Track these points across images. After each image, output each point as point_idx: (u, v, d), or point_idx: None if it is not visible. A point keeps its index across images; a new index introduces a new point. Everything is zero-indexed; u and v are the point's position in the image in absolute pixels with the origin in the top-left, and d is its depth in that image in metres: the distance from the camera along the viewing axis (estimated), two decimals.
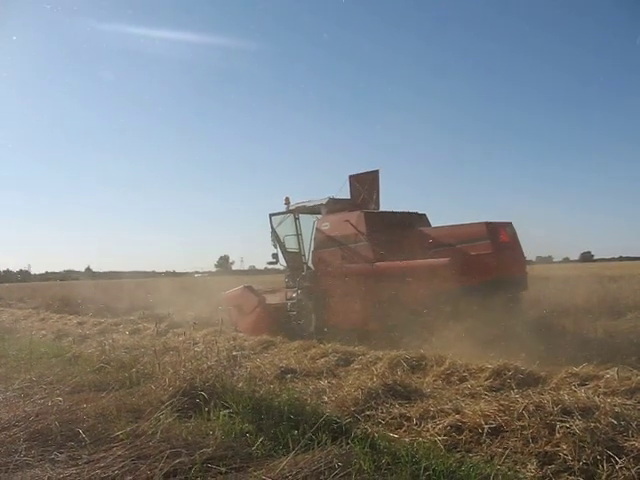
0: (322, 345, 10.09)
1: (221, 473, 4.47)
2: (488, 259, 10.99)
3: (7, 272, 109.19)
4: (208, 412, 6.07)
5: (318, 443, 4.95)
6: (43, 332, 16.55)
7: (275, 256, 14.84)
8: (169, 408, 6.04)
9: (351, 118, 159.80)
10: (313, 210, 14.41)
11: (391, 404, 6.44)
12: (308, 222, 14.32)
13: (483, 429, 5.37)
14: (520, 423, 5.28)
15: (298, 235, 14.24)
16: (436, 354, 8.62)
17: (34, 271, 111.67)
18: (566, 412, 5.21)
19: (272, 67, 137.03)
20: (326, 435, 5.15)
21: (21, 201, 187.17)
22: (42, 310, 23.43)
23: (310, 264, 14.02)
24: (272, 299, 14.92)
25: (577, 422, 4.90)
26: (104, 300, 24.65)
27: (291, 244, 14.54)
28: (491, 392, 6.82)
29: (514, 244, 11.87)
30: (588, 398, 5.53)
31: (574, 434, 4.77)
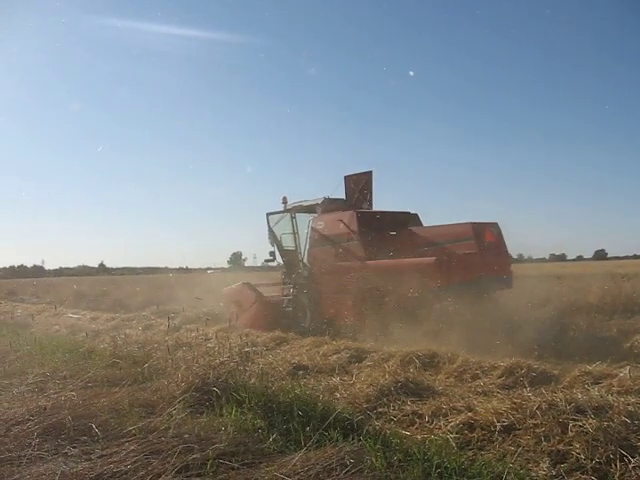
0: (334, 342, 10.09)
1: (233, 469, 4.48)
2: (473, 258, 11.37)
3: (21, 267, 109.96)
4: (220, 408, 6.09)
5: (330, 440, 4.96)
6: (57, 327, 16.68)
7: (272, 254, 15.39)
8: (181, 404, 6.06)
9: (357, 115, 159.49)
10: (309, 209, 14.80)
11: (403, 401, 6.45)
12: (304, 221, 14.72)
13: (495, 427, 5.35)
14: (533, 421, 5.26)
15: (295, 234, 14.63)
16: (449, 351, 8.63)
17: (48, 266, 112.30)
18: (579, 411, 5.19)
19: (278, 62, 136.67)
20: (338, 432, 5.16)
21: (35, 197, 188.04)
22: (56, 305, 23.52)
23: (306, 262, 14.47)
24: (269, 295, 15.33)
25: (590, 421, 4.88)
26: (117, 295, 24.77)
27: (288, 242, 14.95)
28: (503, 390, 6.83)
29: (499, 244, 12.18)
30: (601, 397, 5.50)
31: (587, 433, 4.75)
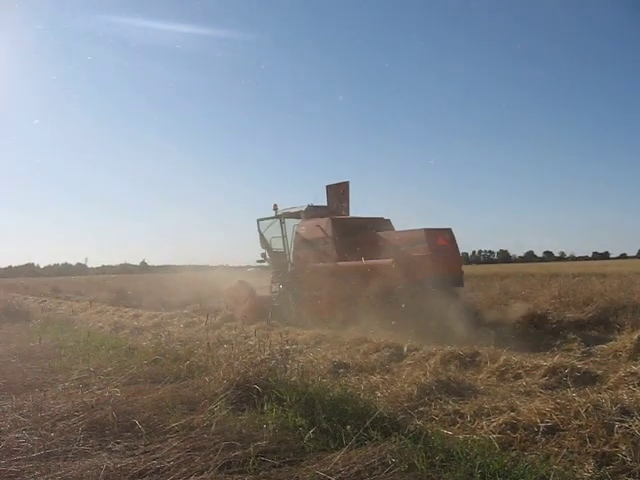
0: (374, 340, 10.06)
1: (275, 466, 4.50)
2: (425, 260, 12.78)
3: (65, 265, 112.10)
4: (262, 405, 6.10)
5: (371, 439, 4.94)
6: (100, 324, 16.92)
7: (264, 255, 17.26)
8: (223, 401, 6.09)
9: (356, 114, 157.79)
10: (296, 215, 16.64)
11: (445, 400, 6.40)
12: (292, 226, 16.54)
13: (539, 428, 5.28)
14: (577, 422, 5.18)
15: (283, 237, 16.42)
16: (490, 350, 8.56)
17: (91, 264, 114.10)
18: (625, 412, 5.10)
19: (273, 58, 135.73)
20: (379, 431, 5.14)
21: (77, 197, 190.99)
22: (99, 303, 23.87)
23: (291, 262, 16.29)
24: (261, 292, 17.14)
25: (637, 422, 4.80)
26: (158, 293, 25.00)
27: (277, 245, 16.78)
28: (546, 390, 6.75)
29: (451, 247, 13.52)
30: None
31: (633, 435, 4.67)
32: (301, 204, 16.49)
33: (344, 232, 14.83)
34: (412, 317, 11.43)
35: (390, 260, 12.90)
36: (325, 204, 16.78)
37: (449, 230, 13.66)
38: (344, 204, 16.80)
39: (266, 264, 17.65)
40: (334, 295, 13.99)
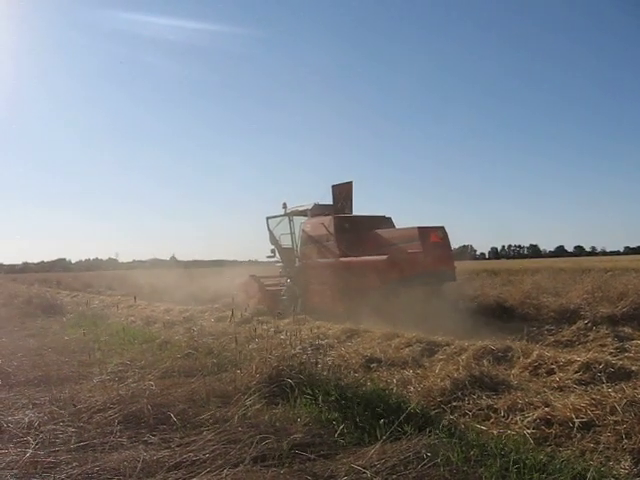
0: (406, 335, 10.04)
1: (310, 459, 4.52)
2: (418, 256, 13.48)
3: (96, 260, 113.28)
4: (294, 399, 6.13)
5: (405, 433, 4.94)
6: (132, 318, 17.07)
7: (273, 251, 18.05)
8: (256, 394, 6.14)
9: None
10: (303, 213, 17.46)
11: (478, 395, 6.37)
12: (300, 223, 17.38)
13: (574, 423, 5.25)
14: (613, 418, 5.15)
15: (292, 234, 17.25)
16: (523, 345, 8.48)
17: (121, 259, 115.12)
18: None
19: (278, 54, 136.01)
20: (413, 425, 5.14)
21: (108, 194, 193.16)
22: (130, 297, 24.02)
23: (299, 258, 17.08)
24: (270, 285, 18.19)
25: None
26: (189, 288, 25.12)
27: (286, 241, 17.59)
28: (580, 386, 6.67)
29: (443, 245, 14.22)
30: None
31: None
32: (308, 202, 17.37)
33: (346, 230, 15.63)
34: (412, 310, 11.81)
35: (385, 257, 13.68)
36: (331, 203, 17.36)
37: (442, 228, 14.32)
38: (348, 203, 17.53)
39: (275, 259, 18.36)
40: (336, 289, 14.81)
